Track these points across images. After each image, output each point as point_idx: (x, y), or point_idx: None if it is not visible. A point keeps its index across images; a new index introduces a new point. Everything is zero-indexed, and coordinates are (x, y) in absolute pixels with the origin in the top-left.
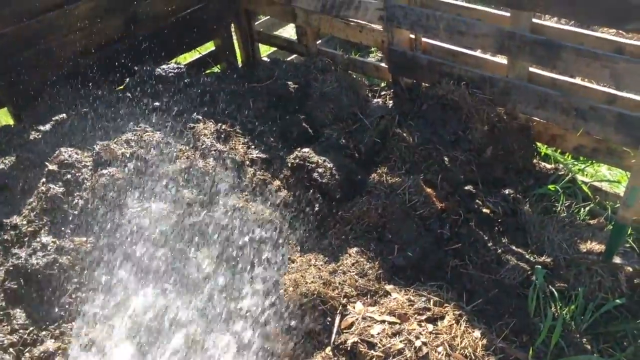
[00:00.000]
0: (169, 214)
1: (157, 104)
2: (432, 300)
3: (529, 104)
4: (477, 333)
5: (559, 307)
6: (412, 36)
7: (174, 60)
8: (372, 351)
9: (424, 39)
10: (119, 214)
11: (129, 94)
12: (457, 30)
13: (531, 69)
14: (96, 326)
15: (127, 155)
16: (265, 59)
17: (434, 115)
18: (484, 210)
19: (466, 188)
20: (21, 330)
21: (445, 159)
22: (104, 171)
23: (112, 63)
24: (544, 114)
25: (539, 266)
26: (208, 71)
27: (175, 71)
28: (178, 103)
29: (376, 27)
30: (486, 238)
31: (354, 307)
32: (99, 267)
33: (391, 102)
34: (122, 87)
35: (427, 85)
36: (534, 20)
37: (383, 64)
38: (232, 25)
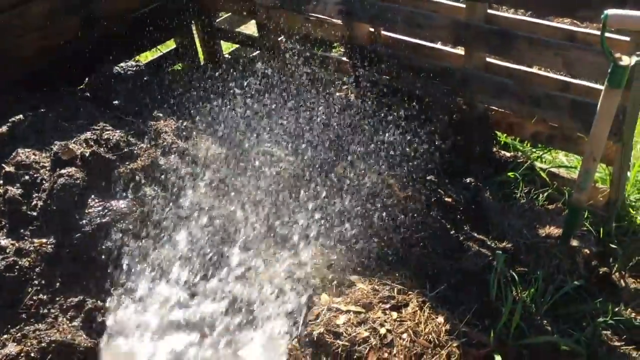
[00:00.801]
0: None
1: (116, 102)
2: (395, 289)
3: (487, 93)
4: (440, 319)
5: (519, 291)
6: (372, 30)
7: (133, 59)
8: (338, 341)
9: (383, 32)
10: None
11: (88, 93)
12: (415, 22)
13: (488, 59)
14: None
15: (87, 155)
16: (228, 56)
17: (395, 107)
18: (446, 199)
19: (428, 178)
20: None
21: (407, 149)
22: (63, 171)
23: (70, 63)
24: (501, 102)
25: (500, 251)
26: (170, 69)
27: (134, 69)
28: (138, 101)
29: (336, 22)
30: (448, 226)
31: (319, 299)
32: None
33: (353, 95)
34: (80, 86)
35: (388, 77)
36: (489, 11)
37: (345, 58)
38: (193, 22)
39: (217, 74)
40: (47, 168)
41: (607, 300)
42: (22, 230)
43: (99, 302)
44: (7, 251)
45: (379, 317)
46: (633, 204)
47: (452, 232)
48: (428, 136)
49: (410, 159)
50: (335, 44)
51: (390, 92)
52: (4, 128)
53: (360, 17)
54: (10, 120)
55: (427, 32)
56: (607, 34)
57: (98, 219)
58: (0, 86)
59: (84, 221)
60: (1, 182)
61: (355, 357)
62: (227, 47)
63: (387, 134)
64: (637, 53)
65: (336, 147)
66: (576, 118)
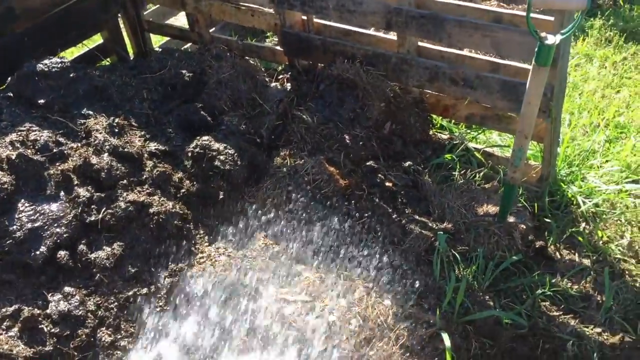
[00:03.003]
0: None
1: (41, 101)
2: (342, 276)
3: (421, 77)
4: (387, 302)
5: (461, 269)
6: (304, 17)
7: (57, 56)
8: (287, 331)
9: (315, 20)
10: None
11: (10, 93)
12: (347, 9)
13: (420, 44)
14: None
15: (13, 157)
16: (158, 49)
17: (331, 94)
18: (387, 184)
19: (368, 164)
20: None
21: (346, 137)
22: None
23: None
24: (435, 86)
25: (441, 232)
26: (98, 65)
27: (59, 66)
28: (65, 98)
29: (268, 10)
30: (390, 210)
31: (267, 291)
32: None
33: (289, 84)
34: (2, 87)
35: (322, 65)
36: None
37: (279, 48)
38: (120, 15)
39: (148, 67)
40: None
41: (545, 272)
42: None
43: (36, 309)
44: None
45: (327, 305)
46: (564, 178)
47: (394, 216)
48: (366, 122)
49: (349, 146)
50: (268, 34)
51: (326, 80)
52: None
53: (291, 4)
54: None
55: (359, 18)
56: (532, 15)
57: (29, 223)
58: None
59: (14, 226)
60: None
61: (305, 345)
62: (156, 40)
63: (323, 122)
64: (562, 32)
65: (272, 136)
66: (506, 98)
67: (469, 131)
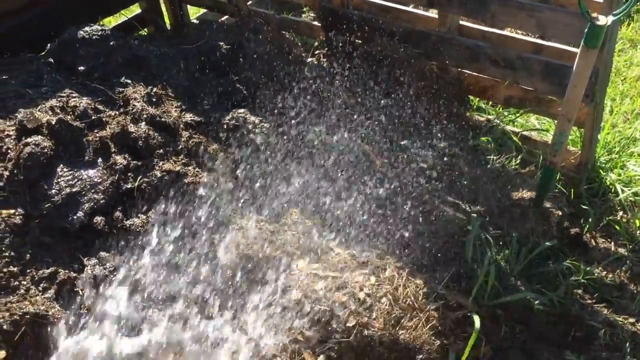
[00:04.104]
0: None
1: (81, 68)
2: (373, 253)
3: (460, 57)
4: (419, 282)
5: (494, 253)
6: None
7: (97, 24)
8: (317, 306)
9: None
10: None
11: (51, 59)
12: None
13: (461, 22)
14: None
15: (53, 123)
16: (195, 20)
17: (368, 72)
18: (421, 164)
19: (402, 143)
20: None
21: (381, 115)
22: (29, 140)
23: (31, 28)
24: (475, 66)
25: (475, 215)
26: (136, 34)
27: (100, 33)
28: (104, 66)
29: None
30: (423, 191)
31: (297, 265)
32: None
33: (325, 60)
34: (43, 52)
35: (360, 42)
36: None
37: (316, 23)
38: None
39: (185, 38)
40: (12, 137)
41: (579, 259)
42: None
43: (71, 272)
44: None
45: (358, 282)
46: (603, 165)
47: (427, 197)
48: (401, 101)
49: (384, 124)
50: (305, 8)
51: (363, 57)
52: None
53: None
54: None
55: None
56: None
57: (68, 188)
58: None
59: (53, 191)
60: None
61: (334, 321)
62: (193, 12)
63: (359, 99)
64: (614, 13)
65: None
66: (548, 80)
67: (506, 114)
